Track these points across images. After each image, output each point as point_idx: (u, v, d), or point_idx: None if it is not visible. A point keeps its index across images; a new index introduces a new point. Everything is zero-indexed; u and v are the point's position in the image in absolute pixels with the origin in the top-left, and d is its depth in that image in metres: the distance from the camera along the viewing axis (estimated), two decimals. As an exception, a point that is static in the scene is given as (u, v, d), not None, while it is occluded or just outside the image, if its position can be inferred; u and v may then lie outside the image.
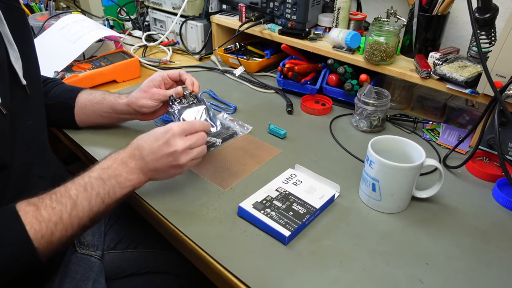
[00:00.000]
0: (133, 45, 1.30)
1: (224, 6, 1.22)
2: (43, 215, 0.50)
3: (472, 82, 0.78)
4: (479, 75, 0.77)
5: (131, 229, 0.86)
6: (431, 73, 0.83)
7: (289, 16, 1.05)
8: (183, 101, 0.75)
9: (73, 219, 0.52)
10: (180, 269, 0.84)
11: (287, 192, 0.66)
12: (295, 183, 0.69)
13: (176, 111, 0.73)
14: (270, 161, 0.77)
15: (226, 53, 1.16)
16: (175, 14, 1.24)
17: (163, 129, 0.61)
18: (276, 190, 0.67)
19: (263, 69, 1.19)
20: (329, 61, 0.97)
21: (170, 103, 0.74)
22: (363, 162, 0.74)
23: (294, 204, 0.64)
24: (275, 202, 0.64)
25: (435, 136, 0.88)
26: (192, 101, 0.76)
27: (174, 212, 0.64)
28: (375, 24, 0.90)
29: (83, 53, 1.05)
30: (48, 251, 0.50)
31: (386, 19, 1.01)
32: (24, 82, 0.57)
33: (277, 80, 1.06)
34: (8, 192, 0.54)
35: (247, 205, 0.63)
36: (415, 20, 0.90)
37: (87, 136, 0.82)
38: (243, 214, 0.63)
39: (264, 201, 0.64)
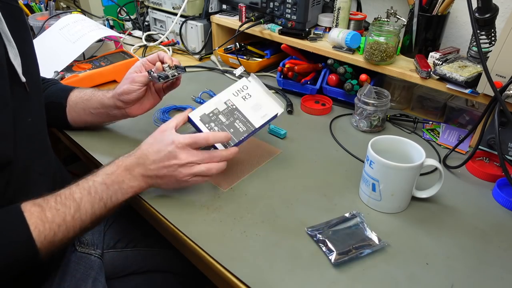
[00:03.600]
0: (133, 45, 1.30)
1: (224, 6, 1.22)
2: (48, 216, 0.51)
3: (472, 82, 0.78)
4: (479, 75, 0.77)
5: (130, 228, 0.86)
6: (431, 73, 0.83)
7: (289, 16, 1.05)
8: (161, 73, 0.74)
9: (76, 222, 0.54)
10: (179, 268, 0.85)
11: (234, 107, 0.68)
12: (244, 97, 0.70)
13: (155, 77, 0.72)
14: (270, 161, 0.77)
15: (226, 53, 1.16)
16: (175, 14, 1.24)
17: (167, 139, 0.62)
18: (225, 103, 0.68)
19: (263, 69, 1.19)
20: (329, 61, 0.97)
21: (150, 77, 0.73)
22: (363, 162, 0.74)
23: (237, 121, 0.67)
24: (220, 116, 0.67)
25: (435, 136, 0.88)
26: (171, 70, 0.75)
27: (174, 212, 0.64)
28: (375, 24, 0.90)
29: (83, 53, 1.05)
30: (49, 251, 0.52)
31: (386, 19, 1.01)
32: (23, 79, 0.57)
33: (277, 80, 1.06)
34: (10, 188, 0.54)
35: (195, 116, 0.66)
36: (415, 20, 0.90)
37: (87, 136, 0.82)
38: (192, 124, 0.67)
39: (211, 114, 0.67)
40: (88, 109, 0.78)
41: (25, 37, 0.61)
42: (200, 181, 0.64)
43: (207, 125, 0.65)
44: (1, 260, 0.48)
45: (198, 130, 0.66)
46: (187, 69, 1.18)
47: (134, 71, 0.75)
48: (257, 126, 0.66)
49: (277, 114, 0.68)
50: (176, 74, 0.75)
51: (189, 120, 0.66)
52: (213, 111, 0.66)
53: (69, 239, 0.55)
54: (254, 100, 0.70)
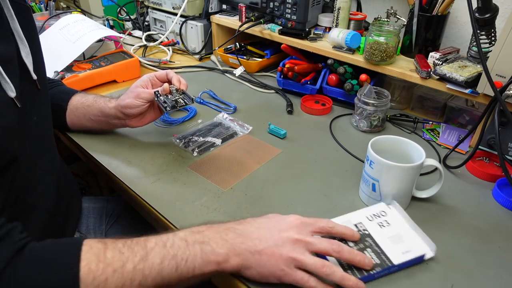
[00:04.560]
0: (133, 45, 1.30)
1: (224, 6, 1.22)
2: (107, 256, 0.44)
3: (472, 82, 0.78)
4: (479, 75, 0.77)
5: (131, 228, 0.86)
6: (431, 73, 0.83)
7: (289, 16, 1.05)
8: (169, 96, 0.74)
9: (136, 274, 0.44)
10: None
11: (366, 233, 0.56)
12: (380, 224, 0.58)
13: (162, 102, 0.72)
14: (270, 161, 0.77)
15: (226, 53, 1.16)
16: (175, 14, 1.24)
17: (282, 216, 0.53)
18: (355, 225, 0.57)
19: (263, 69, 1.19)
20: (329, 61, 0.97)
21: (156, 99, 0.73)
22: (363, 162, 0.74)
23: (368, 249, 0.54)
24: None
25: (435, 136, 0.88)
26: (179, 96, 0.74)
27: (174, 212, 0.64)
28: (375, 24, 0.90)
29: (83, 53, 1.05)
30: None
31: (386, 19, 1.01)
32: (34, 76, 0.58)
33: (277, 80, 1.06)
34: (15, 185, 0.54)
35: None
36: (415, 20, 0.90)
37: (87, 136, 0.82)
38: None
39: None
40: (88, 115, 0.78)
41: (33, 35, 0.61)
42: (304, 283, 0.47)
43: None
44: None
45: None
46: (186, 69, 1.19)
47: (140, 85, 0.74)
48: (395, 262, 0.51)
49: (424, 255, 0.54)
50: (184, 103, 0.74)
51: None
52: None
53: None
54: (393, 230, 0.56)
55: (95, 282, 0.42)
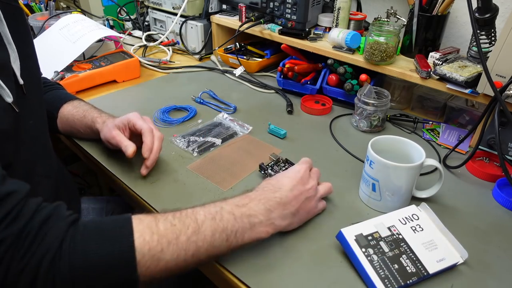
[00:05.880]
0: (133, 45, 1.30)
1: (224, 6, 1.22)
2: (159, 228, 0.46)
3: (472, 82, 0.78)
4: (479, 75, 0.77)
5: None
6: (431, 73, 0.83)
7: (289, 16, 1.05)
8: None
9: (190, 245, 0.47)
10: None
11: (400, 237, 0.55)
12: (414, 228, 0.57)
13: None
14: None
15: (226, 53, 1.16)
16: (175, 14, 1.24)
17: (293, 169, 0.61)
18: (389, 228, 0.56)
19: (263, 69, 1.19)
20: (329, 61, 0.97)
21: None
22: (363, 162, 0.74)
23: (403, 256, 0.53)
24: (382, 243, 0.54)
25: (435, 136, 0.88)
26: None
27: (174, 212, 0.64)
28: (375, 24, 0.90)
29: (83, 53, 1.05)
30: (149, 271, 0.44)
31: (386, 19, 1.01)
32: (21, 81, 0.56)
33: (277, 80, 1.06)
34: None
35: (349, 233, 0.55)
36: (415, 20, 0.90)
37: (87, 136, 0.82)
38: (341, 241, 0.56)
39: (370, 237, 0.55)
40: (77, 127, 0.77)
41: (25, 38, 0.60)
42: (324, 206, 0.63)
43: (363, 250, 0.52)
44: (94, 266, 0.42)
45: (349, 251, 0.54)
46: (186, 69, 1.18)
47: (118, 126, 0.70)
48: (431, 271, 0.52)
49: (456, 263, 0.54)
50: None
51: (340, 235, 0.55)
52: (372, 234, 0.55)
53: (177, 267, 0.46)
54: (427, 236, 0.56)
55: (151, 252, 0.44)
